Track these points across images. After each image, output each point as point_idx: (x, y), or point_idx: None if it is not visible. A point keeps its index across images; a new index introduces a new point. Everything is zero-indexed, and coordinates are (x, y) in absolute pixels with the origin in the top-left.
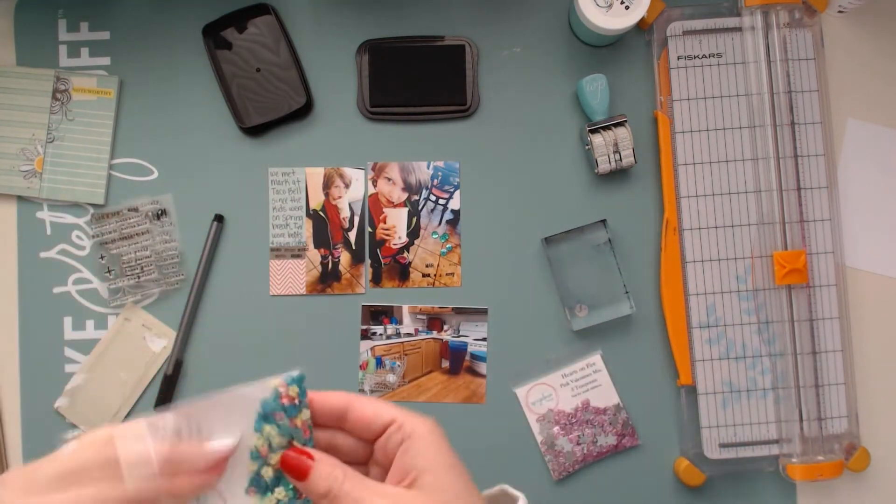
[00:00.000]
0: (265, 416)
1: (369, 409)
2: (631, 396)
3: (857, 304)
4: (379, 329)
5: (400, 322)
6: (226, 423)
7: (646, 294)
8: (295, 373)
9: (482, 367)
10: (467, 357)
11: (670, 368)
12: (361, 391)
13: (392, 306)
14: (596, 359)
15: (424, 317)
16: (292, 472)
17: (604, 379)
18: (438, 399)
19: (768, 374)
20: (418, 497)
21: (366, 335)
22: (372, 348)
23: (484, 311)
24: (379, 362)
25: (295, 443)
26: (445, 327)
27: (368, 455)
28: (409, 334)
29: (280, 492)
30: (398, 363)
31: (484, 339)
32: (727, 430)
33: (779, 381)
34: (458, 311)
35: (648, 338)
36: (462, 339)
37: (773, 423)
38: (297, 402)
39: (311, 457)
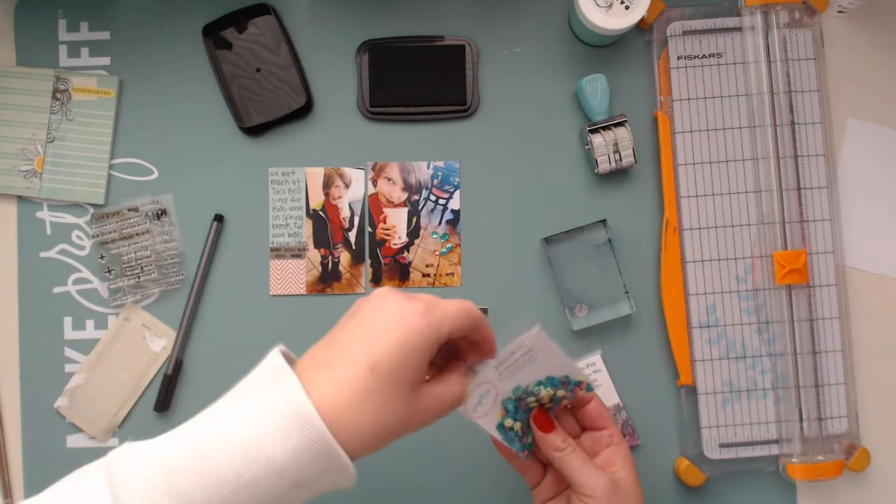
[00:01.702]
0: (557, 381)
1: (601, 410)
2: (631, 396)
3: (857, 304)
4: None
5: None
6: (536, 360)
7: (646, 294)
8: (594, 386)
9: None
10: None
11: (670, 368)
12: None
13: None
14: (596, 359)
15: None
16: (541, 423)
17: (604, 379)
18: None
19: (768, 374)
20: (620, 482)
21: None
22: None
23: (484, 311)
24: None
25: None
26: None
27: (576, 436)
28: None
29: (517, 424)
30: None
31: None
32: (727, 430)
33: (779, 381)
34: None
35: (648, 338)
36: None
37: (773, 423)
38: (576, 392)
39: (555, 424)
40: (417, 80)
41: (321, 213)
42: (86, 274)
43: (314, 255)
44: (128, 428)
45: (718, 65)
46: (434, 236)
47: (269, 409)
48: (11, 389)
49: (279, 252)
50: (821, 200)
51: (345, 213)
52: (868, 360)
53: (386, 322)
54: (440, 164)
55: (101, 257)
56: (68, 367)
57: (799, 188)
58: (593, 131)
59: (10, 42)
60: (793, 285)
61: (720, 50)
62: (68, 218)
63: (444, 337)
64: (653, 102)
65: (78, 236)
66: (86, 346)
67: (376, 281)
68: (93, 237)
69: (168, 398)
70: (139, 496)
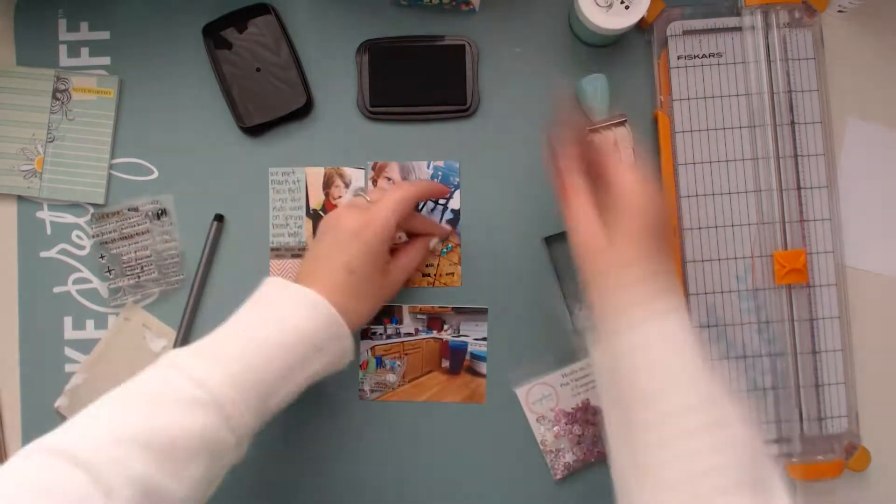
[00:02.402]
0: None
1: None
2: None
3: (857, 304)
4: (379, 329)
5: (400, 322)
6: None
7: None
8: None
9: (482, 367)
10: (467, 357)
11: None
12: (362, 391)
13: (392, 306)
14: None
15: (424, 316)
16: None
17: None
18: (438, 399)
19: (768, 374)
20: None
21: (366, 335)
22: (372, 348)
23: (484, 311)
24: (379, 362)
25: None
26: (445, 327)
27: None
28: (409, 334)
29: None
30: (398, 363)
31: (484, 339)
32: None
33: (779, 381)
34: (458, 311)
35: None
36: (462, 338)
37: (773, 423)
38: None
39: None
40: (417, 80)
41: (321, 212)
42: (86, 274)
43: None
44: None
45: (718, 65)
46: None
47: (291, 302)
48: (11, 389)
49: (279, 252)
50: (821, 200)
51: None
52: (868, 360)
53: (349, 236)
54: (440, 164)
55: (101, 257)
56: (68, 367)
57: (799, 188)
58: (593, 131)
59: (10, 42)
60: (793, 285)
61: (720, 50)
62: (68, 218)
63: (393, 230)
64: (653, 102)
65: (78, 236)
66: (86, 346)
67: None
68: (93, 237)
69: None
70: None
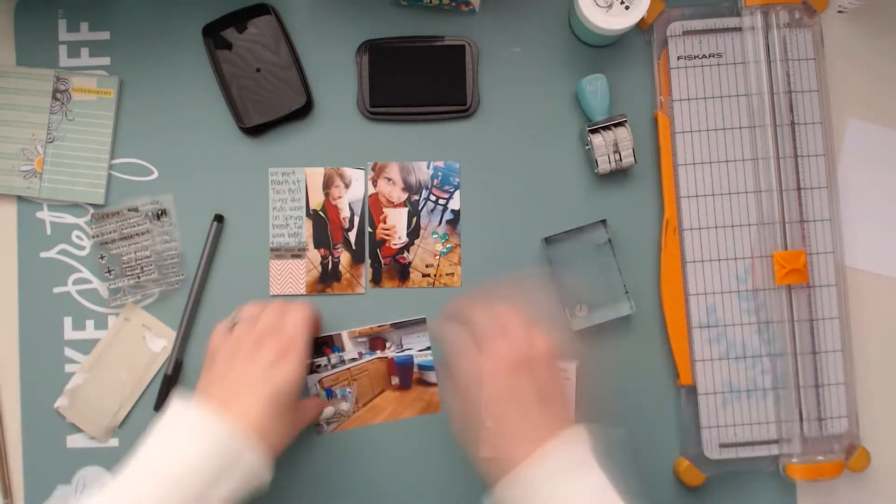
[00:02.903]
0: None
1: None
2: (631, 396)
3: (857, 304)
4: (322, 360)
5: (342, 349)
6: None
7: (646, 294)
8: None
9: (432, 377)
10: (415, 369)
11: (670, 368)
12: (318, 426)
13: (332, 335)
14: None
15: (365, 338)
16: None
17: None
18: (396, 416)
19: (768, 374)
20: None
21: (312, 369)
22: (320, 380)
23: (423, 321)
24: (329, 393)
25: None
26: (388, 345)
27: None
28: (354, 359)
29: None
30: (349, 390)
31: (428, 349)
32: (727, 430)
33: (779, 381)
34: (397, 326)
35: (648, 338)
36: (406, 352)
37: (773, 423)
38: None
39: None
40: (417, 80)
41: (321, 213)
42: (86, 274)
43: (314, 255)
44: (128, 428)
45: (718, 65)
46: (434, 236)
47: (199, 438)
48: (11, 389)
49: (279, 252)
50: (821, 200)
51: (345, 213)
52: (868, 360)
53: (267, 366)
54: (440, 164)
55: (101, 257)
56: (68, 367)
57: (799, 188)
58: (593, 131)
59: (10, 42)
60: (793, 285)
61: (720, 50)
62: (68, 218)
63: (307, 354)
64: (653, 102)
65: (78, 236)
66: (86, 346)
67: (376, 281)
68: (93, 237)
69: (168, 398)
70: None
